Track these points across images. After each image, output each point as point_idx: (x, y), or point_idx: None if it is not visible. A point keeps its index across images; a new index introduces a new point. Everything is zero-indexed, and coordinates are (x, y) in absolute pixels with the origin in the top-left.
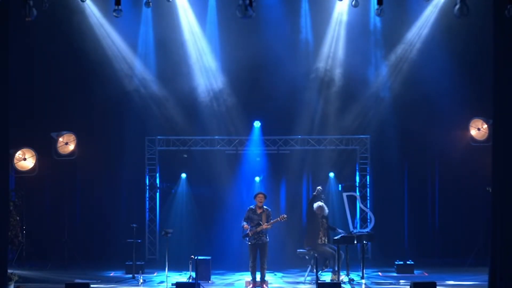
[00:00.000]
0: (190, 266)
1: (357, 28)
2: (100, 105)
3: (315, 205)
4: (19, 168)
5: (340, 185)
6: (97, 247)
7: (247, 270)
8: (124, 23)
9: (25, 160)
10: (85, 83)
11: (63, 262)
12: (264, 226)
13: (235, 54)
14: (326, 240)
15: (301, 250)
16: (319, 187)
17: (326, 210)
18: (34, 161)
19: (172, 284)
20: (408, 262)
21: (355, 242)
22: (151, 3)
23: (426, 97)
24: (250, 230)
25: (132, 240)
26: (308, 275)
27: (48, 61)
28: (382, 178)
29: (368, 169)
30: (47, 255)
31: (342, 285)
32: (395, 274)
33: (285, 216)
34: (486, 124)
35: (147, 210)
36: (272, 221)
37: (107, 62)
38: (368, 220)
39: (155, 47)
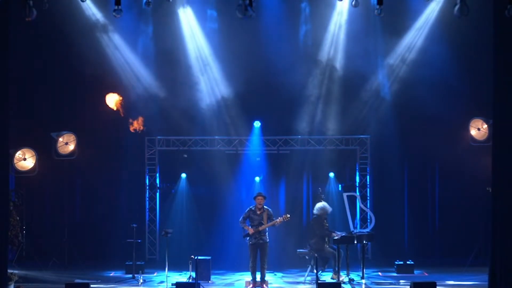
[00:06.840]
0: (190, 266)
1: (357, 29)
2: (100, 105)
3: (316, 208)
4: (19, 168)
5: (340, 185)
6: (97, 247)
7: (247, 270)
8: (124, 23)
9: (25, 160)
10: (85, 83)
11: (63, 262)
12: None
13: (235, 54)
14: (327, 241)
15: (301, 250)
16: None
17: (329, 208)
18: (34, 161)
19: (172, 284)
20: (408, 262)
21: (355, 242)
22: (151, 3)
23: (426, 97)
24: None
25: (132, 240)
26: (308, 275)
27: (48, 61)
28: (382, 178)
29: (368, 169)
30: (47, 255)
31: (342, 285)
32: (395, 274)
33: (289, 216)
34: (486, 124)
35: (147, 210)
36: (276, 220)
37: (107, 62)
38: (368, 220)
39: (155, 46)
